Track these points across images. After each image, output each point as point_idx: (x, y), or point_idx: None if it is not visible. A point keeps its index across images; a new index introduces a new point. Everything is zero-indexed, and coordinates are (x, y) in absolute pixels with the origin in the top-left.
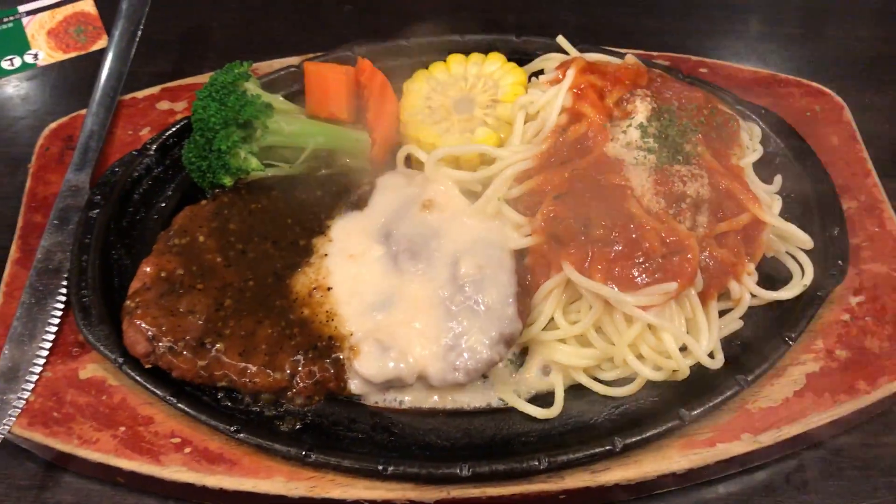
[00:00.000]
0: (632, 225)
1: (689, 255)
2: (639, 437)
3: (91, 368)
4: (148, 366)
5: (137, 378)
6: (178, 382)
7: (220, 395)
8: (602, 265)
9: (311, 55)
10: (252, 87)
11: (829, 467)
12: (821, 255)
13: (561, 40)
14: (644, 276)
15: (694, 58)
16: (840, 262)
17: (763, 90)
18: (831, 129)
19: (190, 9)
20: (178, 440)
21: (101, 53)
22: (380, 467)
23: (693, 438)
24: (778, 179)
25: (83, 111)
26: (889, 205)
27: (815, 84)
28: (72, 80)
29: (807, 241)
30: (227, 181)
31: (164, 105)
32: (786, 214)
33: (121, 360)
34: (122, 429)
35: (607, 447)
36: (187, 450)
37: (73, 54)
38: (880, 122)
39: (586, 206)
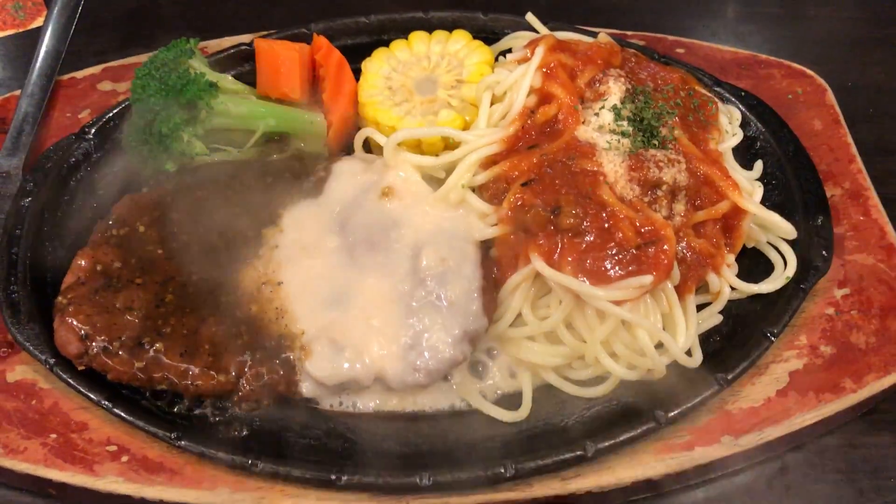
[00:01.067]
0: (604, 213)
1: (665, 246)
2: (612, 441)
3: (20, 370)
4: (81, 367)
5: (70, 381)
6: (115, 385)
7: (160, 400)
8: (573, 257)
9: (264, 32)
10: (197, 65)
11: (812, 470)
12: (804, 245)
13: (530, 18)
14: (617, 268)
15: (670, 37)
16: (824, 252)
17: (743, 71)
18: (814, 113)
19: None
20: (114, 448)
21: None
22: (333, 477)
23: (670, 442)
24: (759, 165)
25: (17, 92)
26: (874, 192)
27: (797, 65)
28: (8, 58)
29: (789, 230)
30: (170, 167)
31: (105, 86)
32: (767, 202)
33: (52, 361)
34: (53, 436)
35: (578, 452)
36: (124, 458)
37: (10, 32)
38: (864, 105)
39: (556, 194)
